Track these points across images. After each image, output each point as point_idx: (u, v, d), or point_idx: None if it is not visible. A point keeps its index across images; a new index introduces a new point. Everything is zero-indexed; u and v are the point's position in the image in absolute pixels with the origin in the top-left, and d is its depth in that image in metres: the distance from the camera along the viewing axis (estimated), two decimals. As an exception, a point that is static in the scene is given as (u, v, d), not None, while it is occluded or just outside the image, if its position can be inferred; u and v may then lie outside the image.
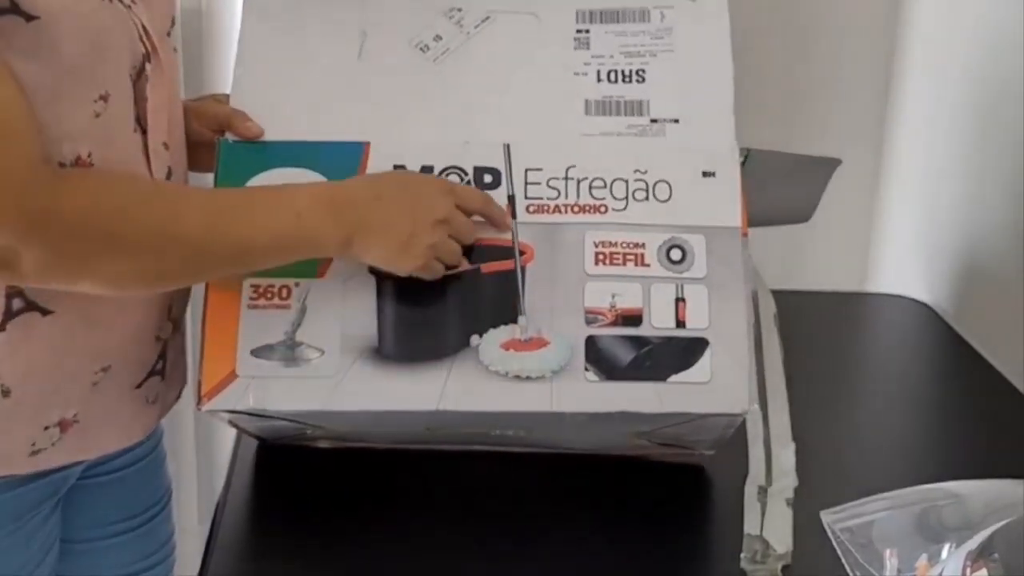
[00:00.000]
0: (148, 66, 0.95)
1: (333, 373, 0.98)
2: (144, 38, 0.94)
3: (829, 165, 1.32)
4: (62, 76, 0.87)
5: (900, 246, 1.80)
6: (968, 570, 0.83)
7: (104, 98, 0.90)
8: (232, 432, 1.15)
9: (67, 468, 1.01)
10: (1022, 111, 1.39)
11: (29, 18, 0.83)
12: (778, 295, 1.15)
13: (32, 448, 0.96)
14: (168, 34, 1.01)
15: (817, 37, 1.82)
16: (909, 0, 1.76)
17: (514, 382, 0.98)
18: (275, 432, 1.08)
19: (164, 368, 1.04)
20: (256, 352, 0.98)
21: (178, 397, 1.11)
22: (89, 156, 0.90)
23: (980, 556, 0.84)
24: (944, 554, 0.86)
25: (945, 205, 1.64)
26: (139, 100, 0.95)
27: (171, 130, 1.00)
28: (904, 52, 1.78)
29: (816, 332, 1.48)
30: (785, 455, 1.02)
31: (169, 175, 0.99)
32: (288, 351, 0.98)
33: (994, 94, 1.50)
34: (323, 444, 1.11)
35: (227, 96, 1.08)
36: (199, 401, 0.99)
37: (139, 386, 1.02)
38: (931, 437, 1.27)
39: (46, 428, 0.96)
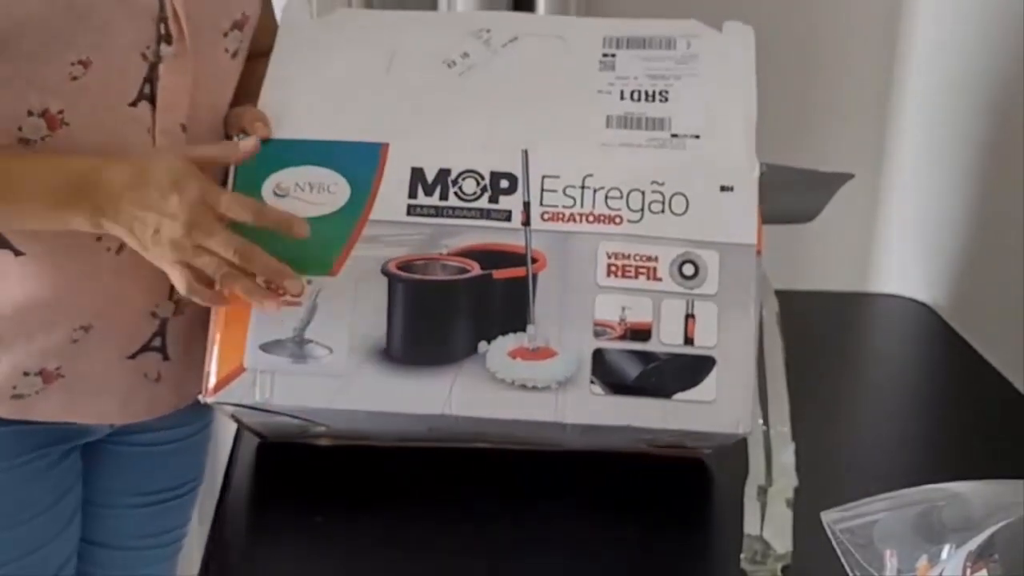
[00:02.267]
0: (166, 49, 0.97)
1: (340, 372, 0.98)
2: (169, 20, 0.96)
3: (840, 178, 1.32)
4: (33, 33, 0.90)
5: (900, 246, 1.80)
6: (968, 570, 0.83)
7: (84, 63, 0.93)
8: (232, 431, 1.15)
9: (67, 425, 1.04)
10: (1021, 111, 1.39)
11: None
12: (778, 295, 1.15)
13: (13, 391, 1.00)
14: (225, 34, 1.03)
15: (819, 39, 1.82)
16: (911, 3, 1.76)
17: (519, 391, 0.98)
18: (277, 428, 1.08)
19: (164, 346, 1.05)
20: (265, 347, 0.99)
21: None
22: (60, 113, 0.94)
23: (980, 556, 0.84)
24: (944, 554, 0.86)
25: (945, 205, 1.64)
26: (152, 78, 0.97)
27: (195, 114, 1.01)
28: (905, 54, 1.78)
29: (816, 332, 1.48)
30: (785, 455, 1.02)
31: None
32: (297, 348, 0.98)
33: (993, 94, 1.50)
34: (323, 442, 1.11)
35: None
36: (205, 392, 0.99)
37: (132, 357, 1.03)
38: (931, 437, 1.26)
39: (26, 374, 1.00)
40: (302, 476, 1.09)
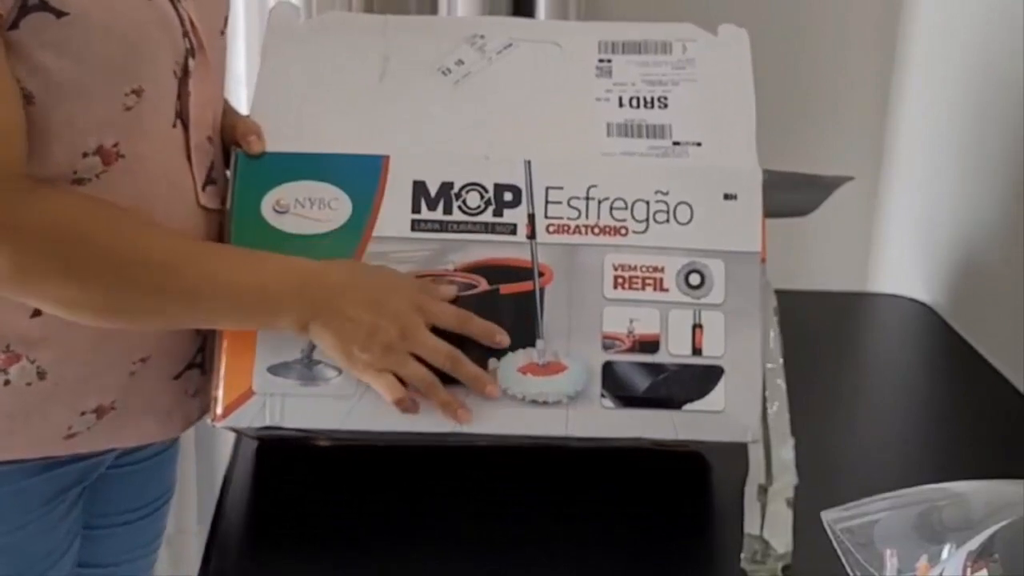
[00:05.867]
0: (192, 62, 0.96)
1: (350, 393, 0.98)
2: (190, 33, 0.95)
3: (839, 180, 1.33)
4: (93, 71, 0.88)
5: (900, 246, 1.80)
6: (968, 570, 0.83)
7: (137, 92, 0.91)
8: (232, 432, 1.15)
9: (103, 454, 1.02)
10: (1021, 111, 1.39)
11: (59, 14, 0.84)
12: (778, 295, 1.15)
13: (68, 431, 0.97)
14: (221, 32, 1.02)
15: (818, 37, 1.82)
16: (910, 4, 1.76)
17: (530, 406, 0.98)
18: (277, 436, 1.08)
19: (204, 361, 1.04)
20: (273, 369, 0.98)
21: None
22: (116, 146, 0.91)
23: (980, 556, 0.83)
24: (944, 554, 0.86)
25: (945, 205, 1.64)
26: (182, 95, 0.96)
27: (215, 125, 1.01)
28: (904, 53, 1.78)
29: (816, 332, 1.48)
30: (785, 452, 1.02)
31: (212, 168, 1.01)
32: (305, 369, 0.98)
33: (993, 94, 1.50)
34: (323, 442, 1.11)
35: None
36: (214, 417, 0.99)
37: (177, 377, 1.02)
38: (931, 437, 1.26)
39: (83, 413, 0.97)
40: (302, 476, 1.09)
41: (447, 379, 0.98)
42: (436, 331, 0.97)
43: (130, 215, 0.92)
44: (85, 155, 0.90)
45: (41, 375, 0.93)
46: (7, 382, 0.93)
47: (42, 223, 0.86)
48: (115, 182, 0.91)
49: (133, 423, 1.01)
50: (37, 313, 0.91)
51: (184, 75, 0.95)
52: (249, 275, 0.94)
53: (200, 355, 1.03)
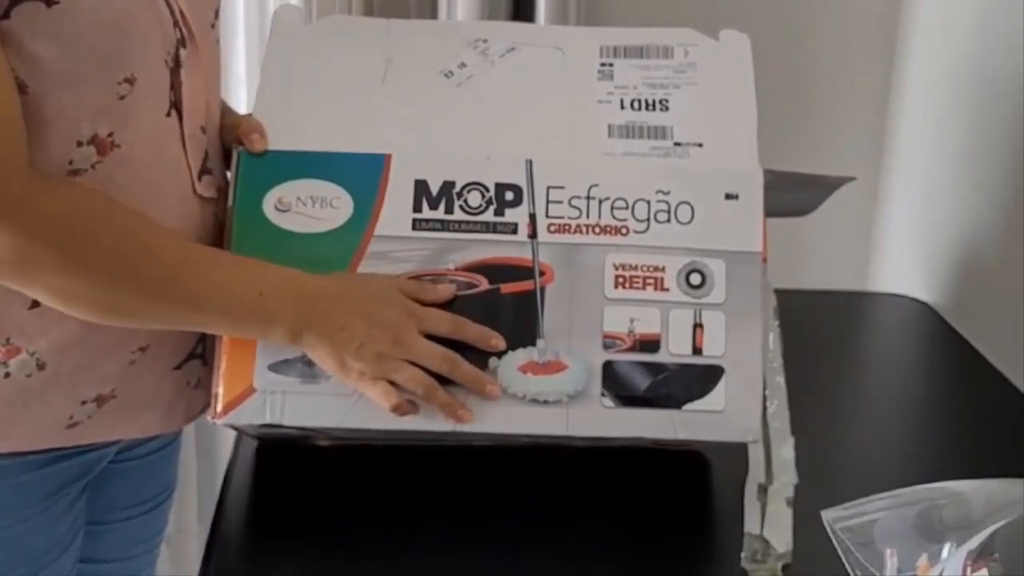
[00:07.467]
0: (183, 52, 0.96)
1: (351, 390, 0.98)
2: (181, 24, 0.95)
3: (840, 180, 1.33)
4: (84, 59, 0.88)
5: (900, 246, 1.80)
6: (968, 569, 0.83)
7: (130, 80, 0.91)
8: (232, 432, 1.15)
9: (105, 447, 1.02)
10: (1021, 111, 1.39)
11: (49, 3, 0.85)
12: (778, 294, 1.15)
13: (70, 420, 0.97)
14: (212, 26, 1.02)
15: (818, 37, 1.82)
16: (909, 4, 1.76)
17: (530, 405, 0.98)
18: (278, 435, 1.08)
19: (204, 351, 1.04)
20: (274, 367, 0.99)
21: None
22: (110, 136, 0.91)
23: (980, 555, 0.84)
24: (944, 553, 0.86)
25: (945, 205, 1.65)
26: (175, 85, 0.96)
27: (209, 116, 1.01)
28: (904, 52, 1.79)
29: (816, 332, 1.48)
30: (785, 450, 1.02)
31: (206, 158, 1.00)
32: (306, 367, 0.98)
33: (994, 94, 1.50)
34: (323, 442, 1.11)
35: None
36: (215, 414, 0.99)
37: (178, 367, 1.02)
38: (931, 437, 1.27)
39: (83, 403, 0.97)
40: (302, 476, 1.09)
41: (446, 380, 0.98)
42: (433, 339, 0.98)
43: (139, 216, 0.93)
44: (80, 144, 0.90)
45: (41, 366, 0.94)
46: (7, 375, 0.93)
47: (53, 212, 0.87)
48: (112, 172, 0.92)
49: (135, 414, 1.01)
50: (35, 304, 0.91)
51: (176, 65, 0.95)
52: (247, 285, 0.95)
53: (201, 346, 1.03)
